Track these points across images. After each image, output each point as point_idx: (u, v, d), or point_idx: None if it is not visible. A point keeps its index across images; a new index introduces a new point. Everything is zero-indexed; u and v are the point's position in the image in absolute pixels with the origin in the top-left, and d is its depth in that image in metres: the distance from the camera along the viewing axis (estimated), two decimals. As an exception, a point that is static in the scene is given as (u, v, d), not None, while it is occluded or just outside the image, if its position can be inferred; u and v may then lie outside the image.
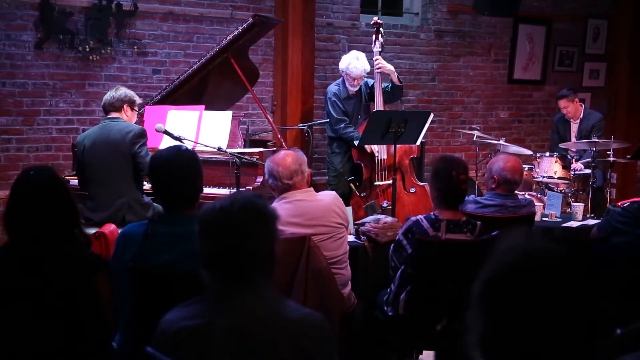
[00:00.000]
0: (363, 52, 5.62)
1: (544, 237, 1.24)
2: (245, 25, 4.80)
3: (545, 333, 1.13)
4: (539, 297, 1.15)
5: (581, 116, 6.46)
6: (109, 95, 4.30)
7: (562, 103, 6.44)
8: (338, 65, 5.62)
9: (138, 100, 4.43)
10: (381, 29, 5.59)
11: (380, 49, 5.56)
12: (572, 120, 6.51)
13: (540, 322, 1.14)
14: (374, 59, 5.51)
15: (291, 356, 1.69)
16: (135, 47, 5.64)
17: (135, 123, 4.83)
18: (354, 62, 5.40)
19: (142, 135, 4.17)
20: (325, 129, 5.82)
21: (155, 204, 4.16)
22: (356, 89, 5.54)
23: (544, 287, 1.15)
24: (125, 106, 4.29)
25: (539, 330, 1.13)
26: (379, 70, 5.48)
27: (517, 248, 1.22)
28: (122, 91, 4.32)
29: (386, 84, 5.60)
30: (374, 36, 5.61)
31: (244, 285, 1.75)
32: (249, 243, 1.75)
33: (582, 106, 6.50)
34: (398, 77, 5.60)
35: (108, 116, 4.27)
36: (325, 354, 1.75)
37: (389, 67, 5.55)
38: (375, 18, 5.68)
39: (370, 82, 5.60)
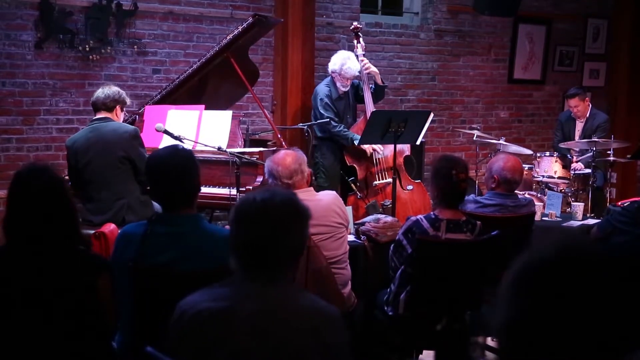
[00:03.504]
0: (364, 52, 5.62)
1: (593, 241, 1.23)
2: (245, 25, 4.80)
3: (572, 331, 1.13)
4: (572, 294, 1.14)
5: (587, 115, 6.44)
6: (102, 93, 4.16)
7: (573, 102, 6.37)
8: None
9: (128, 101, 4.33)
10: (360, 33, 5.66)
11: (363, 52, 5.61)
12: (578, 119, 6.49)
13: (569, 319, 1.13)
14: (360, 60, 5.53)
15: (312, 343, 1.73)
16: (135, 46, 5.64)
17: (135, 123, 4.83)
18: (347, 63, 5.42)
19: (138, 136, 4.12)
20: (314, 129, 5.60)
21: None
22: (347, 88, 5.55)
23: (580, 285, 1.14)
24: (117, 107, 4.18)
25: (565, 326, 1.13)
26: (367, 72, 5.53)
27: (562, 242, 1.21)
28: (116, 90, 4.20)
29: (370, 85, 5.65)
30: (355, 41, 5.66)
31: (272, 275, 1.81)
32: (285, 237, 1.82)
33: (589, 105, 6.48)
34: (382, 78, 5.68)
35: (97, 116, 4.16)
36: (341, 345, 1.80)
37: (374, 69, 5.62)
38: (355, 23, 5.73)
39: (356, 82, 5.63)
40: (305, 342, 1.73)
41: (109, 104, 4.16)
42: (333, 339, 1.77)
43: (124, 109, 4.31)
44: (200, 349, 1.73)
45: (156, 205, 4.13)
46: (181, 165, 2.60)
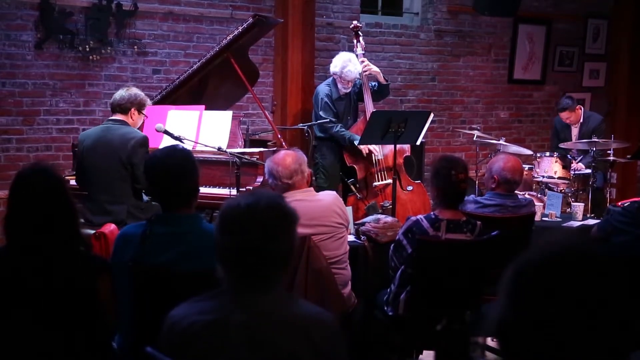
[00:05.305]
0: (364, 51, 5.62)
1: (594, 243, 1.22)
2: (245, 25, 4.80)
3: (571, 331, 1.13)
4: (572, 294, 1.13)
5: (581, 120, 6.42)
6: (119, 94, 4.15)
7: (565, 115, 6.35)
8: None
9: (148, 102, 4.30)
10: (360, 32, 5.63)
11: (363, 52, 5.59)
12: (572, 125, 6.48)
13: (568, 319, 1.13)
14: (360, 60, 5.51)
15: (305, 351, 1.69)
16: (135, 47, 5.64)
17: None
18: (348, 66, 5.39)
19: (145, 144, 4.06)
20: (314, 129, 5.62)
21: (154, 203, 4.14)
22: (349, 90, 5.53)
23: (579, 285, 1.14)
24: (133, 109, 4.14)
25: (564, 326, 1.13)
26: (366, 73, 5.51)
27: (562, 242, 1.20)
28: (133, 92, 4.16)
29: (373, 83, 5.64)
30: (354, 40, 5.64)
31: (261, 283, 1.75)
32: (272, 242, 1.74)
33: (581, 110, 6.46)
34: (384, 76, 5.64)
35: (112, 117, 4.15)
36: (336, 351, 1.75)
37: (375, 69, 5.59)
38: (355, 22, 5.70)
39: (358, 82, 5.62)
40: (298, 350, 1.68)
41: (124, 106, 4.13)
42: (327, 346, 1.72)
43: (143, 112, 4.22)
44: None
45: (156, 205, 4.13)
46: (179, 165, 2.60)
